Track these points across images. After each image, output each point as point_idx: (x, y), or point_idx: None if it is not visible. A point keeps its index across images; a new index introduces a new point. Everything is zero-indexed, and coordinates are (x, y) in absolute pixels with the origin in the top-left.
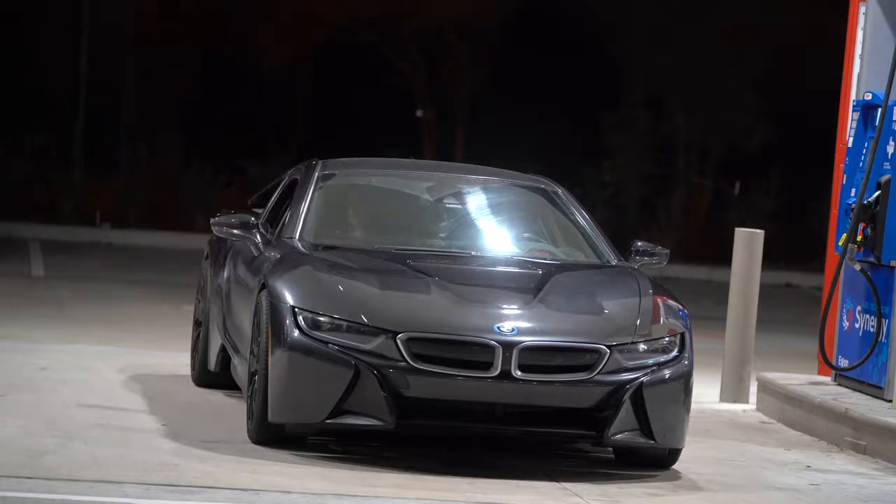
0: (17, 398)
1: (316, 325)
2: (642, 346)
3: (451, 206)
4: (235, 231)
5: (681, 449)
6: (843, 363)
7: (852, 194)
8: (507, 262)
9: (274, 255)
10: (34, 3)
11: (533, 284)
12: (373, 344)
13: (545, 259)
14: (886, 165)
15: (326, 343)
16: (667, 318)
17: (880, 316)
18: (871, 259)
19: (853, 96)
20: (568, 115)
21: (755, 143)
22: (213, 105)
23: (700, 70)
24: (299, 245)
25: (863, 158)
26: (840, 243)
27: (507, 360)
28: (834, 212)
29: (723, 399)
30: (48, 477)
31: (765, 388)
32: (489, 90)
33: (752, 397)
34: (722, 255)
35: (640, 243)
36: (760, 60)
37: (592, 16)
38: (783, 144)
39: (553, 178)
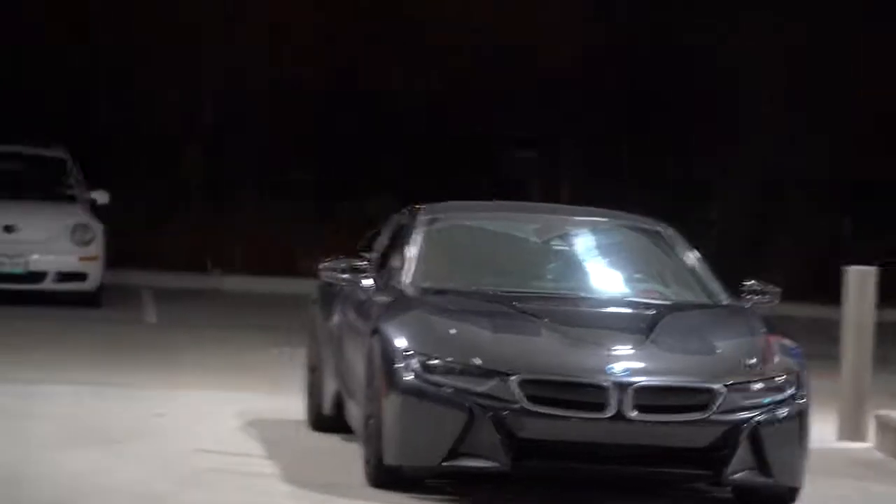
0: (135, 445)
1: (429, 369)
2: (757, 385)
3: (558, 247)
4: (345, 276)
5: (799, 488)
6: None
7: None
8: (617, 303)
9: (384, 299)
10: (149, 50)
11: (644, 325)
12: (486, 386)
13: (655, 299)
14: None
15: (440, 386)
16: (781, 357)
17: None
18: None
19: None
20: (673, 153)
21: (870, 175)
22: (324, 149)
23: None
24: (409, 289)
25: None
26: None
27: (620, 401)
28: None
29: (841, 437)
30: None
31: (883, 426)
32: (592, 129)
33: (871, 435)
34: (836, 294)
35: (750, 282)
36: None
37: (696, 50)
38: None
39: (659, 219)
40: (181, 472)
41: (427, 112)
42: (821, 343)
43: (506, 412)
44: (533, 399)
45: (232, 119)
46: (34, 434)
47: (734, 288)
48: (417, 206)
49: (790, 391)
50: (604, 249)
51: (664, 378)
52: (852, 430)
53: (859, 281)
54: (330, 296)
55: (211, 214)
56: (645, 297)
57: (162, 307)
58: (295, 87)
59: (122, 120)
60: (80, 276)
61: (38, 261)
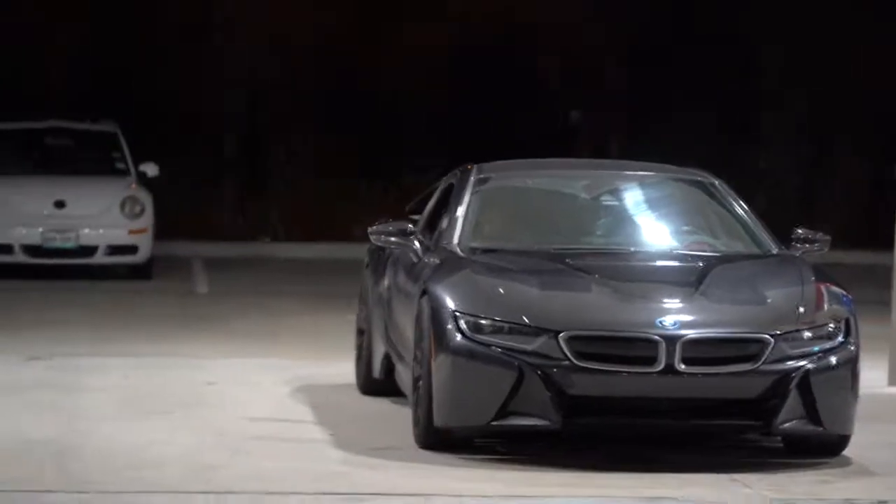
0: (186, 414)
1: (478, 329)
2: (807, 334)
3: (607, 203)
4: (394, 239)
5: (850, 435)
6: None
7: None
8: (667, 256)
9: (433, 261)
10: (178, 27)
11: (694, 277)
12: (535, 344)
13: (705, 251)
14: None
15: (489, 346)
16: (830, 305)
17: None
18: None
19: None
20: (722, 106)
21: None
22: (366, 115)
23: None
24: (458, 250)
25: None
26: None
27: (670, 354)
28: None
29: (892, 383)
30: (219, 490)
31: None
32: (638, 85)
33: None
34: (886, 240)
35: (800, 230)
36: None
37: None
38: None
39: (708, 170)
40: (233, 441)
41: (472, 71)
42: (872, 289)
43: (555, 369)
44: (582, 355)
45: (274, 84)
46: (87, 407)
47: (784, 237)
48: (467, 166)
49: (840, 338)
50: (652, 203)
51: (713, 330)
52: None
53: None
54: (379, 259)
55: (256, 183)
56: (694, 250)
57: (212, 277)
58: (334, 49)
59: (164, 94)
60: (130, 249)
61: (88, 235)
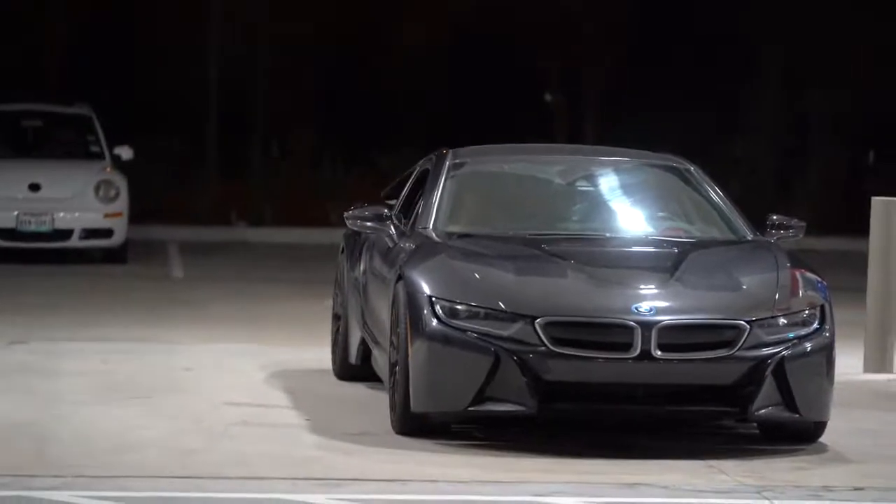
0: (164, 399)
1: (454, 314)
2: (782, 320)
3: (583, 188)
4: (370, 224)
5: (826, 422)
6: None
7: None
8: (643, 242)
9: (409, 245)
10: (159, 8)
11: (669, 263)
12: (511, 330)
13: (680, 237)
14: None
15: (465, 331)
16: (806, 291)
17: None
18: None
19: None
20: (698, 93)
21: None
22: (343, 99)
23: (834, 37)
24: (433, 235)
25: None
26: None
27: (646, 340)
28: None
29: (867, 369)
30: (197, 475)
31: None
32: (619, 71)
33: None
34: (861, 226)
35: (775, 217)
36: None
37: None
38: None
39: (685, 157)
40: (210, 426)
41: (447, 61)
42: (847, 276)
43: (531, 355)
44: (558, 341)
45: (246, 76)
46: (64, 392)
47: (759, 223)
48: (442, 151)
49: (815, 325)
50: (628, 189)
51: (689, 316)
52: (878, 361)
53: (885, 211)
54: (355, 244)
55: (233, 168)
56: (670, 236)
57: (188, 261)
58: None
59: (143, 77)
60: (105, 233)
61: (63, 218)
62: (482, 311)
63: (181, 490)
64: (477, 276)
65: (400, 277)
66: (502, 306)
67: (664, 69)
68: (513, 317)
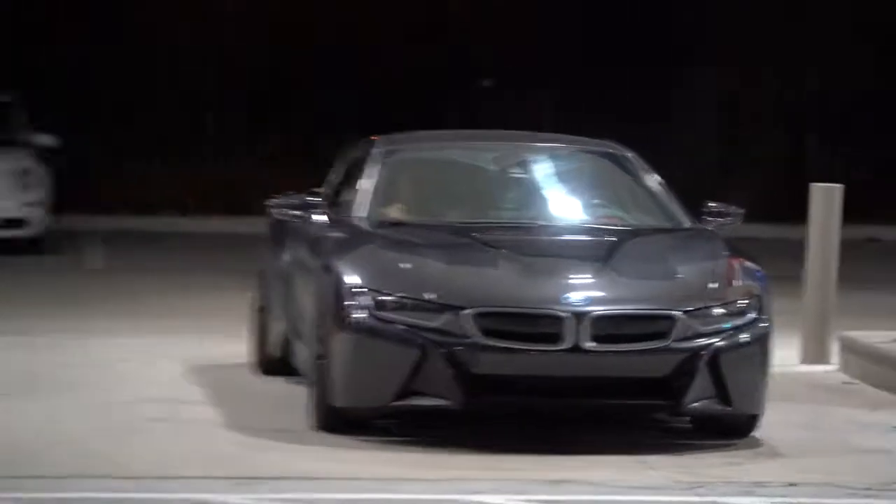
0: (79, 393)
1: (380, 305)
2: (718, 310)
3: (516, 175)
4: (295, 212)
5: (760, 415)
6: None
7: None
8: (576, 231)
9: (335, 235)
10: None
11: (603, 252)
12: (439, 321)
13: (615, 225)
14: None
15: (392, 323)
16: (743, 280)
17: None
18: None
19: None
20: (635, 77)
21: (836, 92)
22: (268, 84)
23: (775, 18)
24: (361, 224)
25: None
26: None
27: (577, 332)
28: None
29: (804, 361)
30: (112, 475)
31: (847, 347)
32: (552, 56)
33: (835, 358)
34: (801, 213)
35: (712, 204)
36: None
37: None
38: (869, 92)
39: (621, 143)
40: (124, 422)
41: (386, 48)
42: (785, 264)
43: (459, 347)
44: (487, 333)
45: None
46: None
47: (697, 211)
48: (371, 138)
49: (752, 315)
50: (563, 176)
51: (622, 306)
52: (816, 352)
53: (824, 197)
54: (280, 234)
55: (166, 157)
56: (605, 224)
57: (110, 252)
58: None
59: (78, 64)
60: (22, 223)
61: None
62: (410, 301)
63: (95, 490)
64: (405, 265)
65: (326, 268)
66: (430, 297)
67: (597, 52)
68: (441, 307)
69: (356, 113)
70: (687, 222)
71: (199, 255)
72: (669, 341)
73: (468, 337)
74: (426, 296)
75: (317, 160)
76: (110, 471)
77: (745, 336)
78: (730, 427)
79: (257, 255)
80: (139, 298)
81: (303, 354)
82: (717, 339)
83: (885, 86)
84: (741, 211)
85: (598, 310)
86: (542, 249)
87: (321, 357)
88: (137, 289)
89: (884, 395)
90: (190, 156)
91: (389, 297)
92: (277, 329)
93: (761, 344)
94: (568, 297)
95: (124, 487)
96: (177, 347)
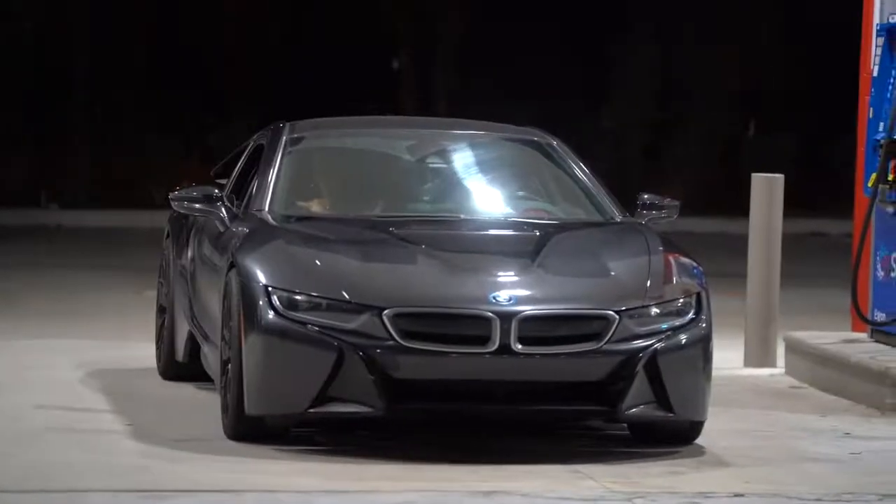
0: None
1: (292, 305)
2: (654, 310)
3: (435, 165)
4: (198, 206)
5: (703, 421)
6: (880, 317)
7: (880, 129)
8: (501, 225)
9: (242, 229)
10: None
11: (530, 247)
12: (356, 322)
13: (542, 219)
14: None
15: (305, 324)
16: (680, 278)
17: None
18: None
19: (876, 19)
20: (560, 56)
21: (771, 78)
22: (167, 66)
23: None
24: (269, 217)
25: (890, 88)
26: (869, 184)
27: (505, 333)
28: (861, 150)
29: (747, 364)
30: (2, 489)
31: (794, 349)
32: (474, 31)
33: (780, 360)
34: (739, 205)
35: (646, 196)
36: None
37: None
38: (802, 79)
39: (547, 129)
40: (15, 432)
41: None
42: (725, 260)
43: (378, 350)
44: (408, 335)
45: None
46: None
47: (629, 203)
48: (279, 124)
49: (691, 315)
50: (484, 166)
51: (552, 306)
52: (760, 354)
53: (767, 188)
54: (182, 228)
55: (44, 142)
56: (531, 217)
57: None
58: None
59: None
60: None
61: None
62: (324, 301)
63: None
64: (318, 263)
65: (232, 265)
66: (346, 296)
67: (521, 25)
68: (358, 308)
69: (253, 95)
70: (619, 215)
71: (86, 250)
72: (604, 343)
73: (388, 339)
74: (341, 295)
75: (210, 147)
76: (3, 484)
77: (684, 337)
78: (671, 435)
79: (155, 251)
80: (26, 298)
81: (211, 358)
82: (654, 341)
83: (824, 74)
84: (677, 203)
85: (527, 310)
86: (464, 245)
87: (230, 361)
88: (23, 287)
89: (833, 399)
90: (54, 140)
91: (302, 297)
92: (182, 331)
93: (702, 345)
94: (495, 297)
95: (17, 501)
96: (72, 351)
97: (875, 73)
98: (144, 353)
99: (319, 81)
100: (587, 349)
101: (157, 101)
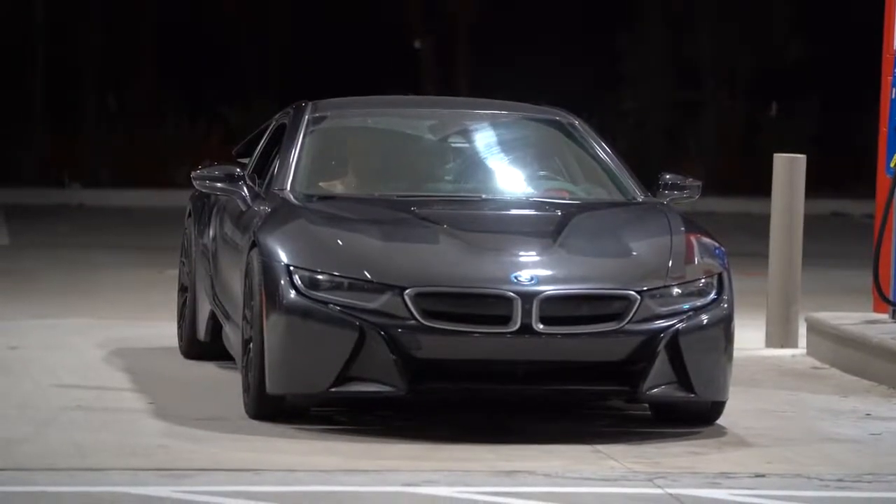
0: None
1: (314, 285)
2: (676, 290)
3: (457, 145)
4: (220, 185)
5: (724, 401)
6: None
7: None
8: (522, 205)
9: (264, 209)
10: None
11: (552, 227)
12: (378, 302)
13: (564, 199)
14: None
15: (327, 303)
16: (702, 258)
17: None
18: None
19: None
20: (582, 39)
21: (791, 58)
22: (187, 46)
23: None
24: (291, 197)
25: None
26: (892, 165)
27: (526, 313)
28: (883, 129)
29: (769, 344)
30: (25, 467)
31: (815, 329)
32: (494, 15)
33: (802, 341)
34: (760, 185)
35: (668, 176)
36: None
37: None
38: (823, 58)
39: (569, 109)
40: (39, 412)
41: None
42: (747, 240)
43: (400, 330)
44: (429, 314)
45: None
46: None
47: (651, 183)
48: (301, 103)
49: (712, 295)
50: (507, 145)
51: (574, 286)
52: (782, 335)
53: (788, 168)
54: (204, 208)
55: (65, 124)
56: (553, 197)
57: (14, 227)
58: None
59: None
60: None
61: None
62: (346, 281)
63: (6, 484)
64: (340, 242)
65: (254, 244)
66: (368, 276)
67: (542, 13)
68: (380, 287)
69: (276, 76)
70: (640, 195)
71: (110, 229)
72: (625, 323)
73: (410, 319)
74: (363, 275)
75: (232, 127)
76: (24, 463)
77: (705, 317)
78: (692, 415)
79: (177, 230)
80: (49, 277)
81: (233, 337)
82: (676, 321)
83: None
84: (698, 183)
85: (549, 289)
86: (486, 225)
87: (252, 340)
88: (46, 266)
89: (855, 380)
90: (89, 120)
91: (324, 276)
92: (204, 310)
93: (724, 326)
94: (516, 276)
95: (41, 480)
96: (94, 330)
97: None
98: (166, 332)
99: (339, 62)
100: (608, 329)
101: (178, 80)
